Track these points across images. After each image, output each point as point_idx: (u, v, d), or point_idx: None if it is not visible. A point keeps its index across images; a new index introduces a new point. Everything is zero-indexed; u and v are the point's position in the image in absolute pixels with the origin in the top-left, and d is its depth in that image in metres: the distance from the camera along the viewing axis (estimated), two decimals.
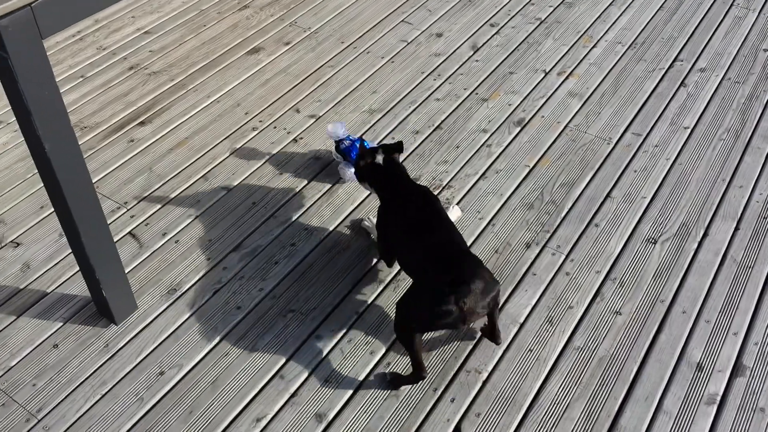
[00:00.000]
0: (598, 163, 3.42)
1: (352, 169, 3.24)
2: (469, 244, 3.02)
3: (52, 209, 3.12)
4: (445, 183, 3.33)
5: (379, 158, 2.90)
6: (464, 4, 4.56)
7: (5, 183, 3.37)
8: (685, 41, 4.21)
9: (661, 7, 4.50)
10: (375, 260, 2.99)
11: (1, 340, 2.72)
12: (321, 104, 3.79)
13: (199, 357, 2.67)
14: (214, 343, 2.71)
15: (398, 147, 2.93)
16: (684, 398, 2.52)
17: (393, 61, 4.09)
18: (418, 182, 3.14)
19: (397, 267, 2.94)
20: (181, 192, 3.31)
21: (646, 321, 2.75)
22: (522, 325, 2.75)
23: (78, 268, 2.86)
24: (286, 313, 2.80)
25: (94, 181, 3.27)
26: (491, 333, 2.64)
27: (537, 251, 3.02)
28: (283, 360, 2.65)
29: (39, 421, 2.48)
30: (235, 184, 3.34)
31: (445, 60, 4.10)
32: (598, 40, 4.24)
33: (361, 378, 2.60)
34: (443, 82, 3.93)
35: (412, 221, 2.67)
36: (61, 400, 2.54)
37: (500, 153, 3.49)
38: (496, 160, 3.45)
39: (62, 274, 2.95)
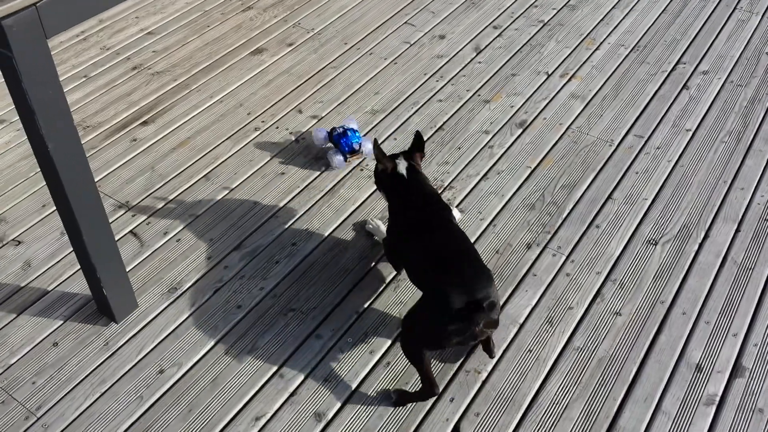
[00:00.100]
0: (599, 165, 3.42)
1: (340, 156, 3.35)
2: None
3: (54, 208, 3.15)
4: (446, 184, 3.33)
5: (402, 168, 2.74)
6: (467, 6, 4.57)
7: (7, 181, 3.38)
8: (687, 44, 4.21)
9: (664, 10, 4.50)
10: (375, 260, 2.99)
11: (1, 338, 2.73)
12: (323, 105, 3.80)
13: (199, 355, 2.67)
14: (214, 341, 2.71)
15: (419, 145, 2.78)
16: (683, 399, 2.51)
17: (396, 63, 4.10)
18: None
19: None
20: (183, 191, 3.32)
21: (646, 322, 2.75)
22: (522, 326, 2.75)
23: (79, 267, 2.86)
24: (286, 312, 2.81)
25: (96, 180, 3.28)
26: (486, 346, 2.61)
27: (538, 252, 3.02)
28: (283, 359, 2.65)
29: (38, 418, 2.49)
30: (237, 184, 3.35)
31: (447, 62, 4.11)
32: (601, 43, 4.24)
33: (360, 377, 2.60)
34: (446, 84, 3.94)
35: (427, 242, 2.56)
36: (61, 398, 2.55)
37: (502, 154, 3.49)
38: (497, 161, 3.46)
39: (63, 272, 2.96)
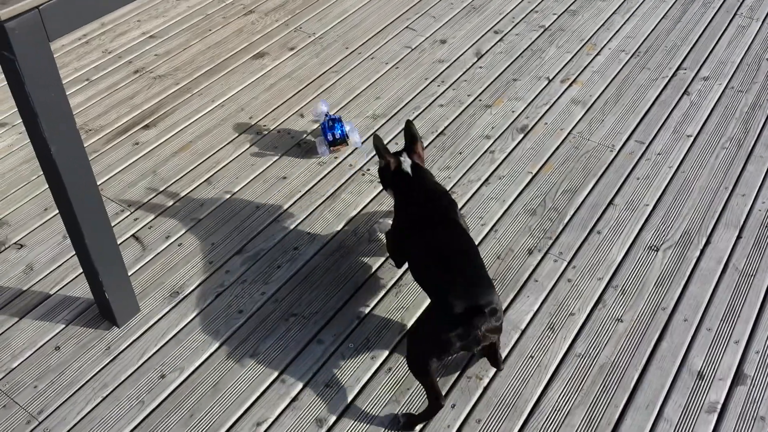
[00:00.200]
0: (600, 171, 3.42)
1: (325, 147, 3.46)
2: None
3: (56, 211, 3.15)
4: (448, 189, 3.33)
5: (406, 165, 2.74)
6: (468, 11, 4.58)
7: (10, 185, 3.38)
8: (688, 50, 4.22)
9: (664, 15, 4.51)
10: (377, 265, 2.99)
11: (3, 342, 2.73)
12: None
13: (200, 360, 2.67)
14: (215, 346, 2.71)
15: (412, 134, 2.77)
16: (685, 406, 2.51)
17: (397, 67, 4.11)
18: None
19: (400, 272, 2.95)
20: (185, 195, 3.32)
21: (648, 328, 2.75)
22: (523, 332, 2.75)
23: (81, 271, 2.87)
24: (287, 317, 2.81)
25: (98, 183, 3.28)
26: (493, 357, 2.59)
27: (539, 258, 3.02)
28: (285, 364, 2.65)
29: (40, 423, 2.49)
30: (239, 188, 3.35)
31: (448, 66, 4.11)
32: (602, 48, 4.24)
33: (362, 383, 2.60)
34: (447, 89, 3.94)
35: (429, 238, 2.55)
36: (62, 403, 2.55)
37: (503, 159, 3.49)
38: (499, 166, 3.46)
39: (65, 276, 2.96)
